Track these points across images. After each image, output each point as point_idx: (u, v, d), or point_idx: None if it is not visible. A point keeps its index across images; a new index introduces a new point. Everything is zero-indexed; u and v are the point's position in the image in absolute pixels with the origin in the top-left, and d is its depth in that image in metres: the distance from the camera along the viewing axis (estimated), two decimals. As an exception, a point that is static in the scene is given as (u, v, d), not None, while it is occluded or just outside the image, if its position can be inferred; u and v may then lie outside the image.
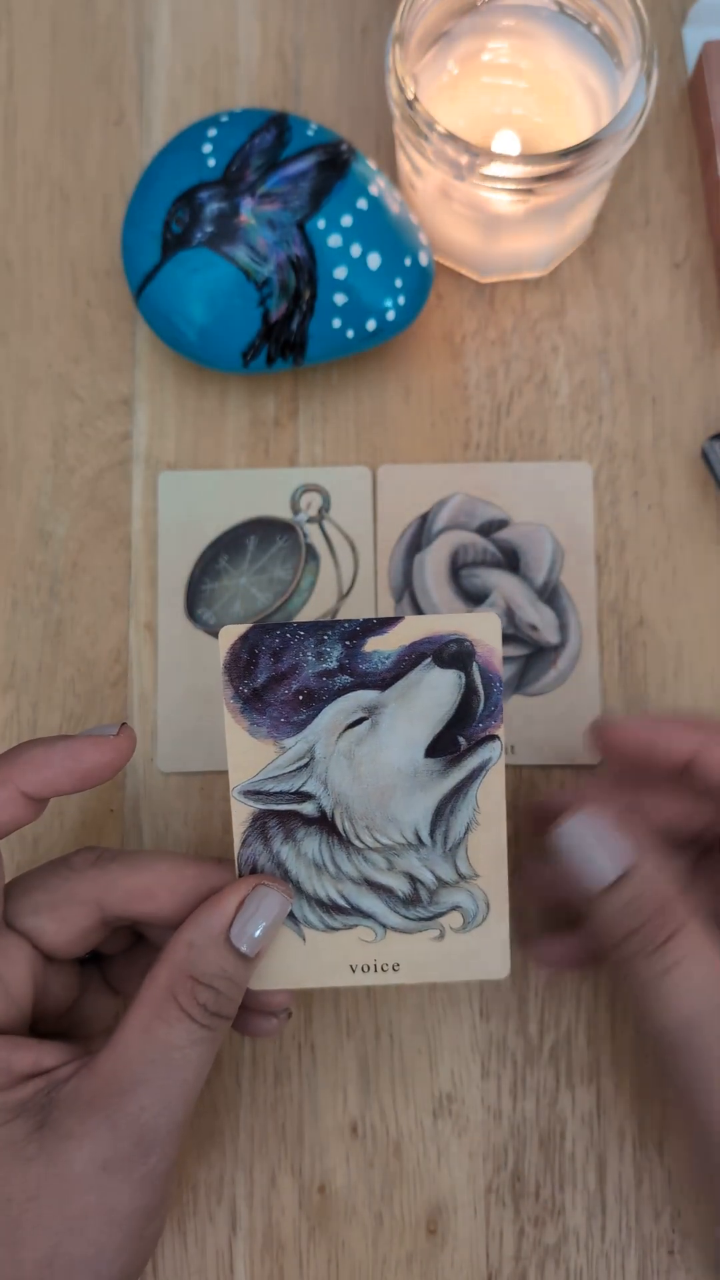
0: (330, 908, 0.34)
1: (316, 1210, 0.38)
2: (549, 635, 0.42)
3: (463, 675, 0.33)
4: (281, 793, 0.33)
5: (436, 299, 0.45)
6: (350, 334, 0.41)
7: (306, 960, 0.34)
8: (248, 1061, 0.39)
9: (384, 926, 0.34)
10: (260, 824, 0.33)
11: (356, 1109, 0.39)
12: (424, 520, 0.43)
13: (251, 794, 0.33)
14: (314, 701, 0.33)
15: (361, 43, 0.47)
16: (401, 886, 0.33)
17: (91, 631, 0.42)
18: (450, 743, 0.33)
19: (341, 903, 0.33)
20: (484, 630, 0.33)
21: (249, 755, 0.33)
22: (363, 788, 0.33)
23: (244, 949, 0.31)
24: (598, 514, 0.43)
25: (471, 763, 0.33)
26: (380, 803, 0.33)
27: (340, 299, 0.40)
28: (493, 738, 0.33)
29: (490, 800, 0.33)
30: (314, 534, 0.43)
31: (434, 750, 0.33)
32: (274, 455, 0.44)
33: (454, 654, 0.33)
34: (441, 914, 0.33)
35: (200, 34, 0.47)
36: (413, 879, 0.33)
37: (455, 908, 0.33)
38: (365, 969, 0.34)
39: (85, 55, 0.47)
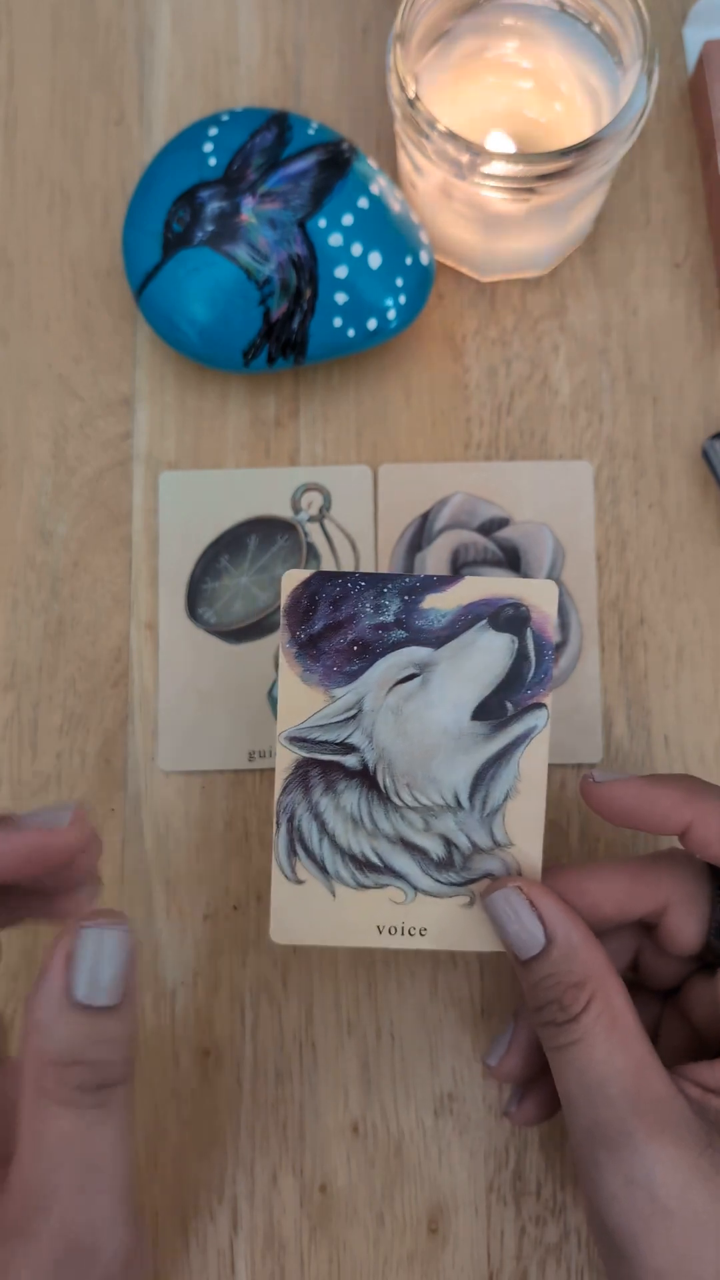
0: (363, 864, 0.33)
1: (318, 1210, 0.38)
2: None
3: (516, 640, 0.33)
4: (326, 742, 0.33)
5: (437, 298, 0.45)
6: (351, 333, 0.41)
7: (335, 917, 0.33)
8: (249, 1061, 0.39)
9: (415, 889, 0.33)
10: (303, 772, 0.33)
11: (358, 1108, 0.39)
12: (425, 519, 0.43)
13: (297, 740, 0.33)
14: (367, 653, 0.33)
15: (362, 42, 0.47)
16: (436, 849, 0.33)
17: (92, 631, 0.42)
18: (498, 707, 0.33)
19: (375, 860, 0.33)
20: (541, 596, 0.33)
21: (299, 701, 0.33)
22: (407, 745, 0.33)
23: (99, 1002, 0.27)
24: (598, 513, 0.43)
25: (517, 729, 0.33)
26: (423, 761, 0.33)
27: (341, 298, 0.40)
28: (540, 705, 0.33)
29: (532, 769, 0.33)
30: (315, 533, 0.43)
31: (481, 713, 0.33)
32: (275, 454, 0.44)
33: (509, 618, 0.33)
34: (473, 880, 0.33)
35: (200, 34, 0.47)
36: (448, 842, 0.33)
37: (487, 875, 0.33)
38: (392, 930, 0.33)
39: (85, 55, 0.47)
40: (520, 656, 0.33)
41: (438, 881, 0.33)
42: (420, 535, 0.43)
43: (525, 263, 0.44)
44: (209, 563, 0.42)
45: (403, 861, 0.33)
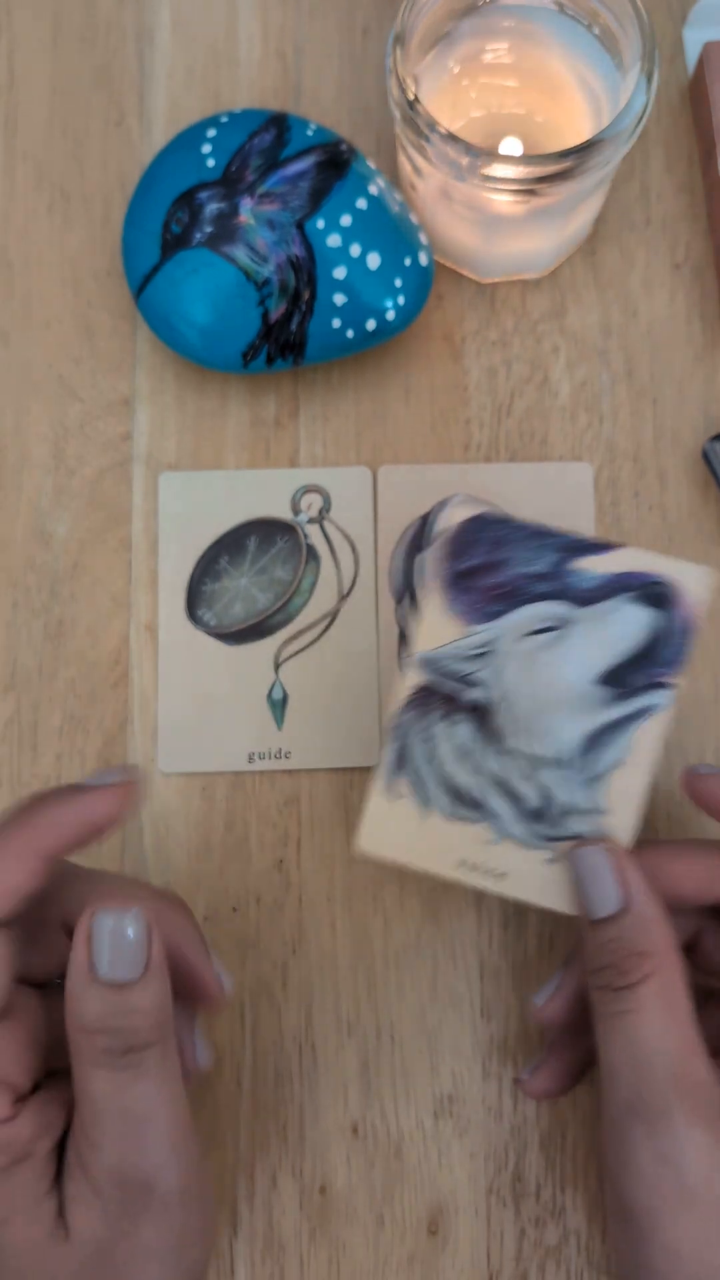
0: (462, 797, 0.34)
1: (317, 1211, 0.38)
2: (550, 635, 0.42)
3: (659, 617, 0.33)
4: (455, 672, 0.34)
5: (437, 299, 0.45)
6: (350, 334, 0.41)
7: (423, 840, 0.34)
8: (248, 1062, 0.39)
9: (504, 832, 0.33)
10: (424, 695, 0.34)
11: (357, 1109, 0.39)
12: (424, 521, 0.43)
13: (429, 663, 0.34)
14: (513, 598, 0.33)
15: (362, 43, 0.47)
16: (534, 798, 0.33)
17: (92, 632, 0.42)
18: (626, 678, 0.33)
19: (474, 795, 0.34)
20: (696, 581, 0.33)
21: (439, 628, 0.34)
22: (530, 693, 0.33)
23: (119, 977, 0.29)
24: (598, 514, 0.43)
25: (640, 702, 0.33)
26: (542, 712, 0.33)
27: (340, 299, 0.40)
28: (667, 685, 0.33)
29: (646, 744, 0.33)
30: (314, 534, 0.43)
31: (608, 680, 0.33)
32: (274, 455, 0.44)
33: (659, 594, 0.33)
34: (562, 838, 0.33)
35: (200, 34, 0.47)
36: (547, 794, 0.33)
37: (577, 836, 0.33)
38: (473, 867, 0.34)
39: (85, 55, 0.47)
40: (659, 634, 0.33)
41: (527, 831, 0.33)
42: (420, 537, 0.43)
43: (525, 264, 0.44)
44: (209, 564, 0.42)
45: (499, 803, 0.33)
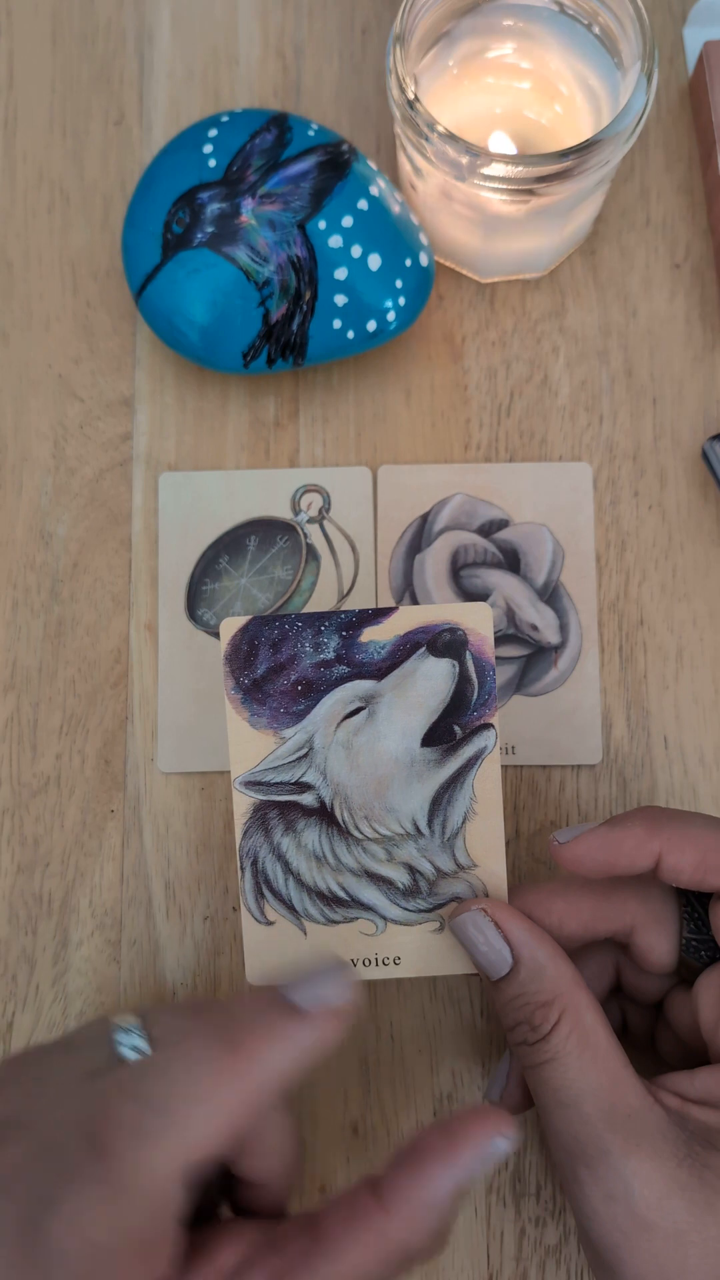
0: (331, 900, 0.34)
1: (317, 1210, 0.38)
2: (549, 635, 0.42)
3: (456, 664, 0.33)
4: (281, 783, 0.33)
5: (437, 299, 0.45)
6: (351, 334, 0.41)
7: (308, 953, 0.34)
8: (248, 1062, 0.39)
9: (384, 919, 0.34)
10: (261, 815, 0.34)
11: (357, 1109, 0.39)
12: (424, 520, 0.43)
13: (252, 784, 0.33)
14: (312, 692, 0.33)
15: (362, 43, 0.47)
16: (401, 878, 0.34)
17: (92, 632, 0.42)
18: (446, 731, 0.33)
19: (342, 895, 0.34)
20: (476, 619, 0.33)
21: (249, 746, 0.33)
22: (361, 778, 0.33)
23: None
24: (598, 514, 0.43)
25: (467, 751, 0.33)
26: (378, 793, 0.33)
27: (341, 300, 0.40)
28: (487, 726, 0.33)
29: (487, 789, 0.33)
30: (314, 534, 0.43)
31: (430, 739, 0.33)
32: (274, 456, 0.44)
33: (447, 643, 0.33)
34: (441, 905, 0.34)
35: (200, 34, 0.47)
36: (412, 870, 0.33)
37: (454, 898, 0.33)
38: (366, 963, 0.34)
39: (85, 55, 0.47)
40: (462, 679, 0.33)
41: (406, 910, 0.34)
42: (420, 537, 0.43)
43: (525, 264, 0.44)
44: (209, 564, 0.42)
45: (370, 893, 0.34)
